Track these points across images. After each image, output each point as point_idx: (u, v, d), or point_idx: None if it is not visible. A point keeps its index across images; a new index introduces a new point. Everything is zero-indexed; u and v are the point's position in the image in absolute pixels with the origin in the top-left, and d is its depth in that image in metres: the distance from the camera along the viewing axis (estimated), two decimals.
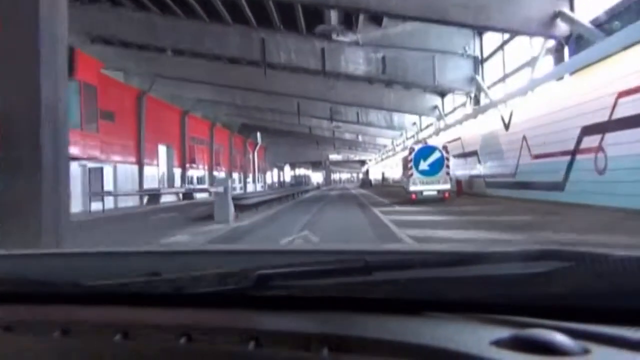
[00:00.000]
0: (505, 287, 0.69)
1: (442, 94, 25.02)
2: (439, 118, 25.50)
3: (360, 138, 45.13)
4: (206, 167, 37.80)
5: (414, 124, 32.05)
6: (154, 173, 26.96)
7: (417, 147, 17.34)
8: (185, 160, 31.70)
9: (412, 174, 16.55)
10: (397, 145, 44.19)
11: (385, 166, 53.38)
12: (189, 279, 0.78)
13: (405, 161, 18.21)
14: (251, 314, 0.73)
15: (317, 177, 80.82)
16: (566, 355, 0.54)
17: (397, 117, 31.80)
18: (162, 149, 28.61)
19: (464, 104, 20.94)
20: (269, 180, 66.66)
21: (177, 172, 30.89)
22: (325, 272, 0.75)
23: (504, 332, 0.59)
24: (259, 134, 55.61)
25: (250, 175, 54.01)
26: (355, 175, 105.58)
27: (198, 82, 26.58)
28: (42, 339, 0.68)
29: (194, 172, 34.79)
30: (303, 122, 38.34)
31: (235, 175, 47.66)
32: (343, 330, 0.65)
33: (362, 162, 79.94)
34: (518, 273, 0.69)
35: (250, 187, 51.00)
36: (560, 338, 0.56)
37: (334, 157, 67.75)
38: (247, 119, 41.44)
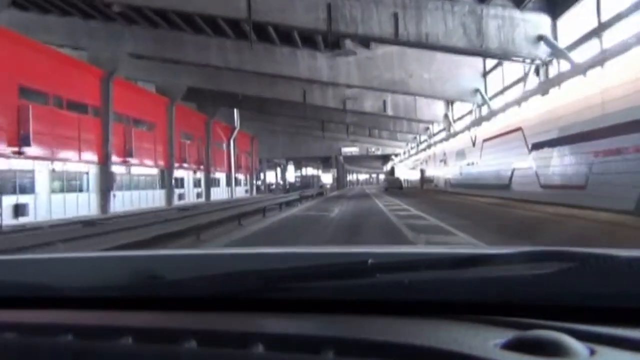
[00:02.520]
0: (509, 288, 0.70)
1: None
2: None
3: (389, 107, 25.52)
4: (96, 159, 19.53)
5: (540, 39, 13.09)
6: None
7: None
8: None
9: None
10: (458, 119, 25.32)
11: (428, 161, 34.18)
12: (193, 281, 0.79)
13: None
14: (257, 317, 0.73)
15: (328, 179, 62.88)
16: (571, 356, 0.53)
17: (494, 25, 12.95)
18: None
19: None
20: (266, 182, 49.63)
21: None
22: (329, 274, 0.76)
23: (509, 334, 0.59)
24: (236, 112, 37.28)
25: (224, 175, 36.23)
26: (374, 176, 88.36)
27: None
28: (47, 344, 0.66)
29: (50, 168, 16.46)
30: (286, 69, 19.83)
31: (189, 175, 29.81)
32: (349, 333, 0.65)
33: (385, 158, 61.35)
34: (522, 274, 0.69)
35: (222, 194, 33.63)
36: (566, 339, 0.55)
37: (347, 150, 48.87)
38: (187, 71, 23.01)
